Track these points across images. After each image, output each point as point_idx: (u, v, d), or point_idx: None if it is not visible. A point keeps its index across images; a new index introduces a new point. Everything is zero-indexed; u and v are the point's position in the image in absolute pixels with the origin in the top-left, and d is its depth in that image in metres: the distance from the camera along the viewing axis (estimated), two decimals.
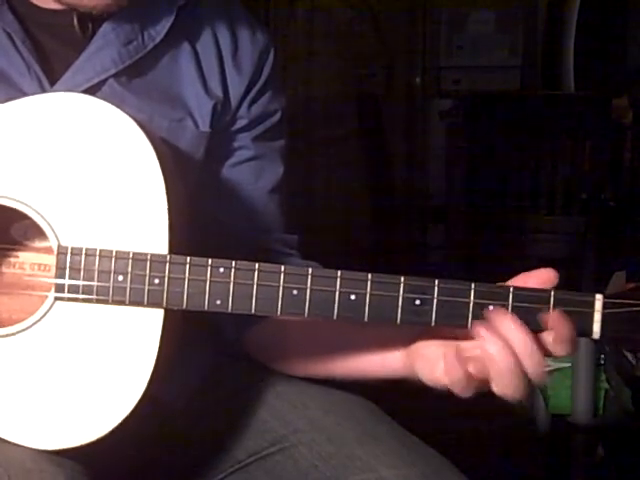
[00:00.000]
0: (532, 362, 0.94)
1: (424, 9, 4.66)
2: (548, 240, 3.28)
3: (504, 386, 0.94)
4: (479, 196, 3.38)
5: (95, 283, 0.98)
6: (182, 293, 0.96)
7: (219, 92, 1.19)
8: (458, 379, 0.96)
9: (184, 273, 0.96)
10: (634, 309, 0.93)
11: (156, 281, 0.97)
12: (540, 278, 0.96)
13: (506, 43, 4.54)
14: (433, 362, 1.00)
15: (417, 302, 0.95)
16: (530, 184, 3.32)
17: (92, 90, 1.10)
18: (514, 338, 0.93)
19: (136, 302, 0.97)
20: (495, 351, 0.93)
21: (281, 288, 0.95)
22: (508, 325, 0.93)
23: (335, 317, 0.95)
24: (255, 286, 0.96)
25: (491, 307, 0.94)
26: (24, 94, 1.06)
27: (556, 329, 0.93)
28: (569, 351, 0.95)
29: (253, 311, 0.96)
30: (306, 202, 4.31)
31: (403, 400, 1.46)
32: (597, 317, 0.94)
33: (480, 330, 0.94)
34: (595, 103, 3.32)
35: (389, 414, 1.16)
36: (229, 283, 0.96)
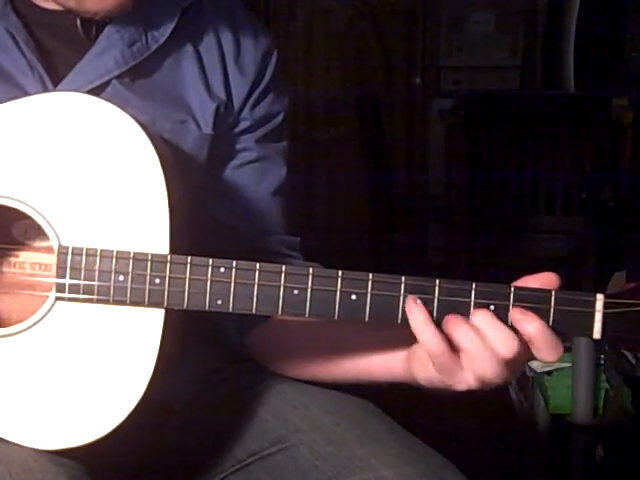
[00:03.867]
0: (505, 347, 0.94)
1: (424, 9, 4.66)
2: (548, 240, 3.28)
3: (481, 369, 0.95)
4: (479, 196, 3.38)
5: (96, 283, 0.98)
6: (183, 293, 0.96)
7: (222, 94, 1.19)
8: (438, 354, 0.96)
9: (185, 273, 0.96)
10: (635, 309, 0.93)
11: (157, 281, 0.97)
12: (542, 281, 0.97)
13: (506, 43, 4.54)
14: (426, 360, 1.00)
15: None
16: (530, 184, 3.32)
17: (95, 91, 1.10)
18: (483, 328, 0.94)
19: (137, 302, 0.97)
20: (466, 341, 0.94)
21: (282, 288, 0.95)
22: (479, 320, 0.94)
23: (336, 317, 0.96)
24: (256, 286, 0.96)
25: (492, 307, 0.95)
26: (27, 95, 1.06)
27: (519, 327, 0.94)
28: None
29: (254, 311, 0.96)
30: (306, 202, 4.32)
31: (403, 400, 1.46)
32: (598, 317, 0.94)
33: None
34: (595, 103, 3.32)
35: (389, 414, 1.16)
36: (230, 283, 0.96)
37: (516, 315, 0.94)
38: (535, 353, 0.95)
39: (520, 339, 0.94)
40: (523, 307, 0.95)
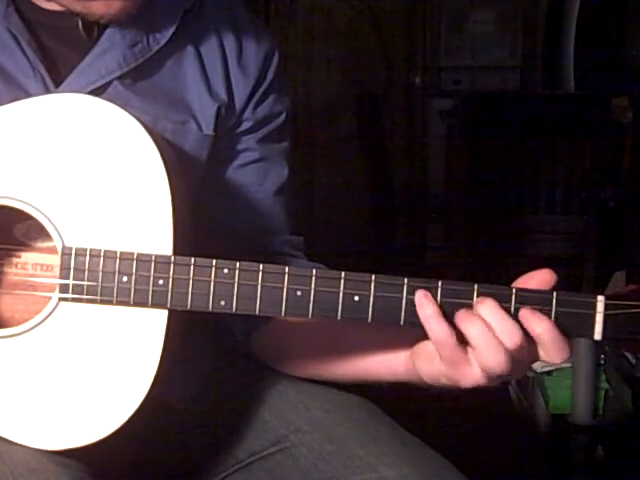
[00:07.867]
0: (509, 337, 0.95)
1: (424, 9, 4.66)
2: (548, 240, 3.28)
3: (488, 361, 0.95)
4: (479, 196, 3.38)
5: (99, 284, 0.98)
6: (186, 294, 0.97)
7: (223, 95, 1.19)
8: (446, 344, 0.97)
9: (188, 274, 0.97)
10: (635, 310, 0.94)
11: (160, 282, 0.97)
12: (540, 279, 0.98)
13: (506, 43, 4.54)
14: (432, 356, 1.00)
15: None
16: (530, 184, 3.32)
17: (96, 92, 1.10)
18: (491, 320, 0.95)
19: (140, 303, 0.98)
20: (475, 331, 0.95)
21: (285, 289, 0.96)
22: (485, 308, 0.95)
23: (339, 318, 0.96)
24: (259, 287, 0.96)
25: None
26: (29, 95, 1.07)
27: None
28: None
29: (257, 312, 0.96)
30: (306, 202, 4.32)
31: (403, 400, 1.47)
32: (599, 318, 0.95)
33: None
34: (595, 103, 3.32)
35: (389, 414, 1.17)
36: (233, 284, 0.96)
37: (525, 315, 0.95)
38: (543, 354, 0.96)
39: (524, 333, 0.95)
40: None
